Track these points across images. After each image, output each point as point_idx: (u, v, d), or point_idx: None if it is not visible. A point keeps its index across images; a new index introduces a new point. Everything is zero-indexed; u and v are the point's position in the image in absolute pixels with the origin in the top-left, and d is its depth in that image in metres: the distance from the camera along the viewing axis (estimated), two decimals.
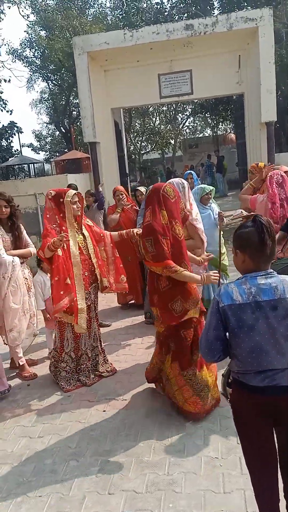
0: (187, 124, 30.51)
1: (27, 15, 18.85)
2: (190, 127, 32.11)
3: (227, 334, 1.68)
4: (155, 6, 19.17)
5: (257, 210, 3.83)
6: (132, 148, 23.83)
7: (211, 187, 4.40)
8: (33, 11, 20.10)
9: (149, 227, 2.73)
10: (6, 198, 3.76)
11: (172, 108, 24.97)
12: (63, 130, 23.01)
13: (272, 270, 1.68)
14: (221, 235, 4.13)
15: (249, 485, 1.82)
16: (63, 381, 3.54)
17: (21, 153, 23.09)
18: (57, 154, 25.50)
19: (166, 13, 17.95)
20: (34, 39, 20.82)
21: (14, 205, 3.83)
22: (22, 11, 15.60)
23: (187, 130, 31.76)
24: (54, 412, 3.20)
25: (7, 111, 18.55)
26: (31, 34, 20.99)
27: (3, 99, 18.18)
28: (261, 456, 1.69)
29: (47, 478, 2.49)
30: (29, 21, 20.12)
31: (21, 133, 22.53)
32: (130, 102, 10.29)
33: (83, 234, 3.54)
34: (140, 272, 5.18)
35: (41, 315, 4.13)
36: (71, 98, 21.50)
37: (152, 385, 3.32)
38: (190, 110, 25.29)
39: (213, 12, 16.78)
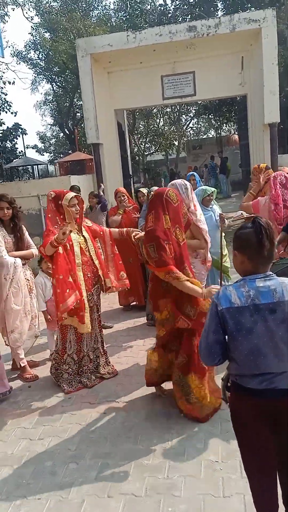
0: (191, 125, 30.54)
1: (31, 17, 18.88)
2: (194, 128, 32.09)
3: (226, 337, 1.67)
4: (159, 8, 19.22)
5: (261, 213, 3.79)
6: (136, 149, 23.85)
7: (213, 189, 4.39)
8: (37, 13, 20.20)
9: (152, 233, 2.74)
10: (8, 199, 3.77)
11: (176, 110, 24.97)
12: (67, 132, 23.07)
13: (271, 273, 1.67)
14: (223, 237, 4.11)
15: (249, 490, 1.80)
16: (65, 383, 3.54)
17: (25, 154, 23.17)
18: (61, 155, 25.59)
19: (169, 15, 17.96)
20: (38, 41, 20.90)
21: (16, 207, 3.83)
22: (26, 13, 15.54)
23: (191, 132, 31.74)
24: (54, 414, 3.19)
25: (12, 113, 18.63)
26: (35, 36, 21.09)
27: (7, 101, 18.27)
28: (259, 460, 1.68)
29: (47, 480, 2.49)
30: (33, 23, 20.21)
31: (25, 134, 22.62)
32: (133, 104, 10.29)
33: (83, 236, 3.54)
34: (142, 274, 5.17)
35: (42, 316, 4.13)
36: (75, 100, 21.57)
37: (153, 388, 3.31)
38: (194, 111, 25.28)
39: (216, 13, 16.77)
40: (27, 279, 3.87)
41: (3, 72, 18.07)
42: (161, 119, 25.88)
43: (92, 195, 6.39)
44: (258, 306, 1.59)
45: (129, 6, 18.75)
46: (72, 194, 3.46)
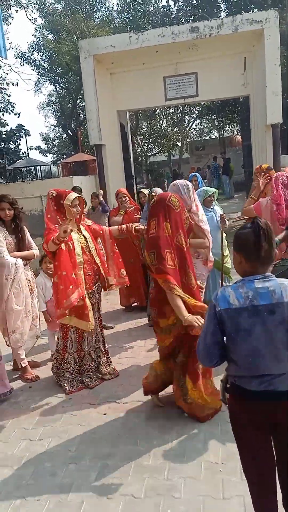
0: (194, 126, 30.54)
1: (35, 19, 18.99)
2: (197, 129, 32.12)
3: (224, 338, 1.67)
4: (162, 9, 19.24)
5: (263, 214, 3.77)
6: (138, 150, 23.88)
7: (214, 189, 4.38)
8: (40, 15, 20.28)
9: (153, 241, 2.75)
10: (9, 200, 3.78)
11: (179, 111, 24.98)
12: (70, 133, 23.12)
13: (270, 274, 1.66)
14: (224, 238, 4.11)
15: (249, 492, 1.79)
16: (66, 382, 3.54)
17: (28, 155, 23.25)
18: (64, 156, 25.64)
19: (172, 16, 17.99)
20: (41, 42, 20.97)
21: (17, 207, 3.84)
22: (30, 14, 15.66)
23: (194, 132, 31.77)
24: (55, 415, 3.19)
25: (15, 114, 18.70)
26: (38, 37, 21.16)
27: (11, 102, 18.36)
28: (258, 461, 1.67)
29: (46, 481, 2.49)
30: (37, 25, 20.30)
31: (28, 135, 22.73)
32: (136, 105, 10.30)
33: (83, 235, 3.54)
34: (143, 274, 5.17)
35: (43, 317, 4.14)
36: (78, 101, 21.61)
37: None
38: (197, 112, 25.28)
39: (219, 14, 16.76)
40: (28, 280, 3.88)
41: (7, 74, 18.15)
42: (164, 120, 25.91)
43: (94, 195, 6.40)
44: (257, 307, 1.58)
45: (132, 7, 18.82)
46: (75, 194, 3.46)
